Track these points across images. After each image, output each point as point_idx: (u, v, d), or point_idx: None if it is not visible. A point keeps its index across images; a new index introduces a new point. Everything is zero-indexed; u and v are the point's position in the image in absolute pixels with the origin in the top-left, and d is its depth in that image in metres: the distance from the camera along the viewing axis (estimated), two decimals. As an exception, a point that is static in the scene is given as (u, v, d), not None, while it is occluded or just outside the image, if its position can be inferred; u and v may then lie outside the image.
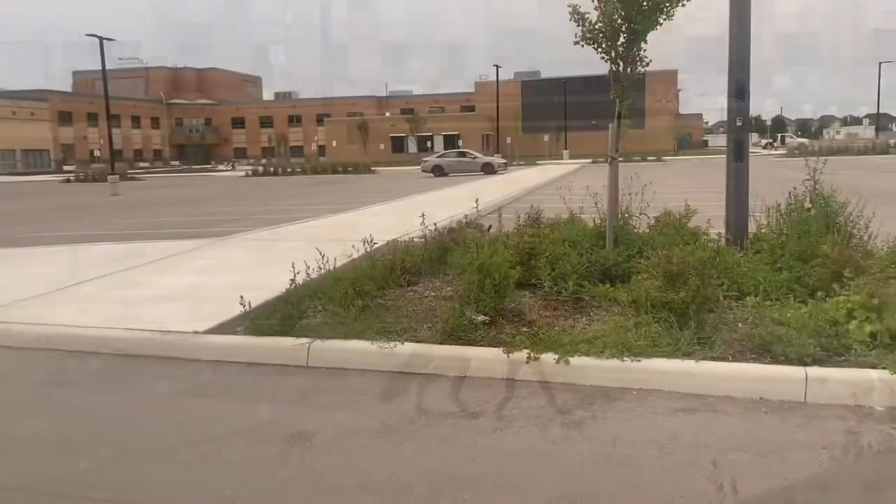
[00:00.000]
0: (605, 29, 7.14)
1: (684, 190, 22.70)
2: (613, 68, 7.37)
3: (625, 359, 4.95)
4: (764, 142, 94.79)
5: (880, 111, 76.18)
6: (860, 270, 6.07)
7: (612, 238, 7.42)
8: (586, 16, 7.22)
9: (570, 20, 7.29)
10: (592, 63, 7.42)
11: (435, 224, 9.22)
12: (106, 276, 8.88)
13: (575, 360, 5.01)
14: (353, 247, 8.50)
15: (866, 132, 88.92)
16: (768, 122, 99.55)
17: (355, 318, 5.95)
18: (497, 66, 63.42)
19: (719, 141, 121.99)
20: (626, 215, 8.06)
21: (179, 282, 8.44)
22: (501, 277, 5.91)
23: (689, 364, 4.85)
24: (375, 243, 8.52)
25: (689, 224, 8.81)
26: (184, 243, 11.86)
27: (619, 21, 7.08)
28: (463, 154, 46.00)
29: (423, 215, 8.79)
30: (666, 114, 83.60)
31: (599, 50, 7.30)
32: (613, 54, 7.30)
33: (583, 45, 7.32)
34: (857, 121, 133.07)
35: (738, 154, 8.67)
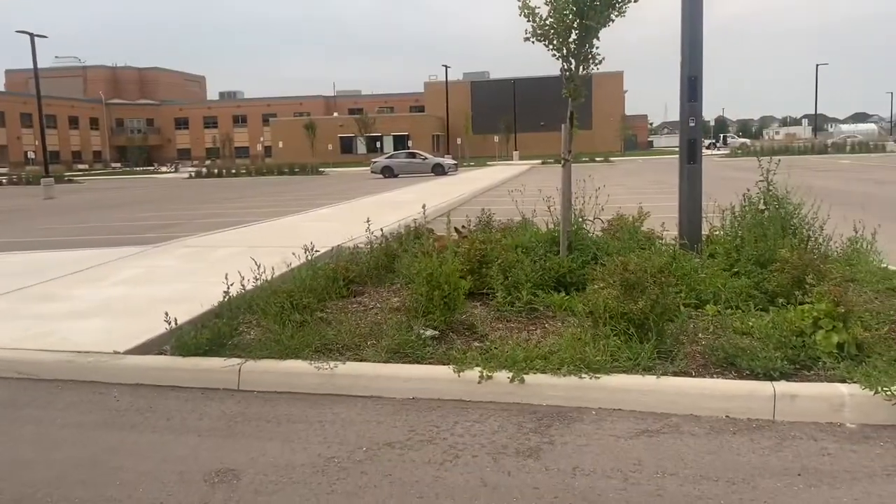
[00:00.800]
0: (556, 25, 6.82)
1: (634, 191, 22.77)
2: (565, 66, 7.06)
3: (583, 376, 4.60)
4: (707, 142, 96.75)
5: (818, 112, 78.50)
6: (821, 276, 5.88)
7: (567, 244, 7.10)
8: (537, 11, 6.88)
9: (521, 15, 6.95)
10: (540, 64, 7.10)
11: (381, 229, 8.76)
12: (21, 289, 8.16)
13: (530, 378, 4.64)
14: (294, 254, 8.02)
15: (805, 133, 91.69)
16: (711, 123, 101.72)
17: (292, 335, 5.46)
18: (446, 67, 63.22)
19: (663, 142, 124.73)
20: (580, 219, 7.76)
21: (103, 295, 7.79)
22: (451, 288, 5.52)
23: (650, 380, 4.53)
24: (318, 250, 8.08)
25: (642, 227, 8.60)
26: (113, 251, 11.13)
27: (571, 17, 6.77)
28: (413, 155, 45.55)
29: (368, 220, 8.34)
30: (613, 115, 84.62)
31: (550, 47, 6.98)
32: (565, 51, 6.98)
33: (533, 42, 6.98)
34: (795, 121, 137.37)
35: (691, 155, 8.46)
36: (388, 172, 42.46)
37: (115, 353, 5.59)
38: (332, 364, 5.07)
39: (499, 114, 77.21)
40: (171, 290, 7.82)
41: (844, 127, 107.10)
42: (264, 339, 5.53)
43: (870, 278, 6.97)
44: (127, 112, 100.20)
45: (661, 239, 7.96)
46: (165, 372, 5.37)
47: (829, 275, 5.86)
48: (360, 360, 5.16)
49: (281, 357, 5.25)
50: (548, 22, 6.86)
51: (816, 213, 7.78)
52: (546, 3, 6.87)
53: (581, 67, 7.04)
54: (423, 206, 10.29)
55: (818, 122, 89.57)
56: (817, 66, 66.67)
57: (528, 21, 6.92)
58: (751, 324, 5.34)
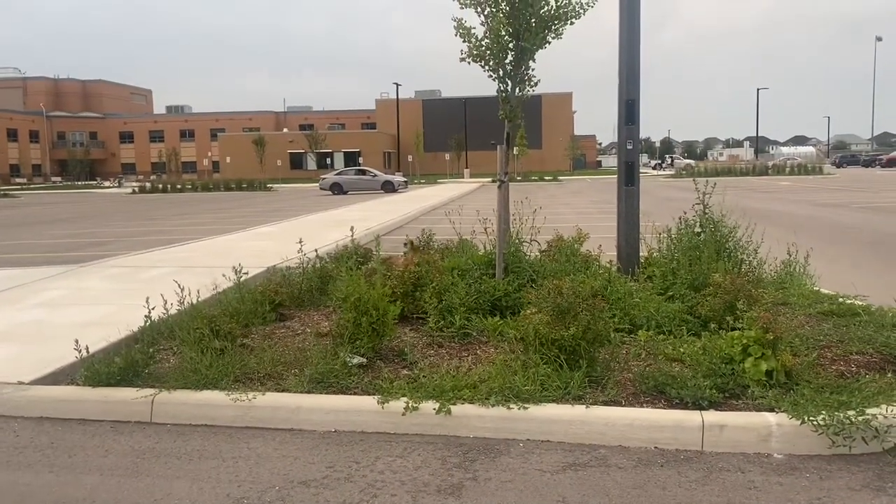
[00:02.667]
0: (492, 46, 6.75)
1: (578, 210, 22.95)
2: (501, 87, 6.99)
3: (511, 406, 4.45)
4: (653, 163, 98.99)
5: (759, 134, 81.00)
6: (752, 300, 5.88)
7: (503, 266, 6.99)
8: (472, 31, 6.81)
9: (456, 35, 6.87)
10: (491, 84, 7.02)
11: (315, 250, 8.52)
12: (-71, 313, 7.66)
13: (457, 409, 4.47)
14: (224, 276, 7.71)
15: (747, 154, 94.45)
16: (657, 144, 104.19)
17: (210, 363, 5.18)
18: (397, 84, 63.39)
19: (612, 161, 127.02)
20: (518, 241, 7.66)
21: (16, 319, 7.35)
22: (380, 314, 5.33)
23: (579, 410, 4.41)
24: (247, 272, 7.79)
25: (581, 249, 8.56)
26: (38, 270, 10.61)
27: (507, 38, 6.72)
28: (363, 172, 45.25)
29: (300, 240, 8.09)
30: (562, 135, 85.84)
31: (486, 68, 6.91)
32: (501, 73, 6.92)
33: (469, 63, 6.90)
34: (738, 143, 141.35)
35: (628, 178, 8.48)
36: (336, 189, 42.06)
37: (20, 383, 5.23)
38: (250, 395, 4.81)
39: (450, 132, 77.57)
40: (91, 314, 7.42)
41: (784, 149, 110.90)
42: (181, 368, 5.24)
43: (802, 301, 7.04)
44: (69, 125, 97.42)
45: (599, 261, 7.91)
46: (73, 404, 5.03)
47: (761, 299, 5.87)
48: (282, 391, 4.92)
49: (197, 387, 4.97)
50: (483, 43, 6.79)
51: (751, 236, 7.85)
52: (482, 24, 6.81)
53: (518, 89, 6.98)
54: (352, 227, 9.98)
55: (760, 144, 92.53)
56: (758, 90, 68.93)
57: (464, 41, 6.84)
58: (682, 350, 5.28)
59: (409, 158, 70.27)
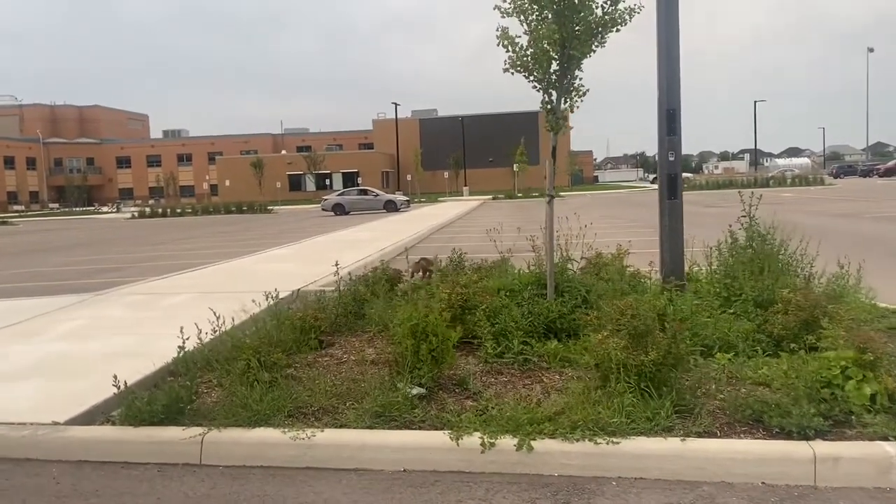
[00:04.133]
0: (537, 55, 6.45)
1: (591, 226, 22.60)
2: (546, 98, 6.68)
3: (599, 441, 4.08)
4: (651, 177, 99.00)
5: (756, 146, 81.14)
6: (828, 316, 5.54)
7: (553, 286, 6.64)
8: (517, 40, 6.50)
9: (499, 45, 6.56)
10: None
11: (349, 273, 8.17)
12: (-55, 348, 7.27)
13: (539, 445, 4.10)
14: (253, 301, 7.34)
15: (744, 167, 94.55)
16: (656, 159, 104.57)
17: (261, 397, 4.81)
18: (395, 104, 63.34)
19: (607, 176, 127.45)
20: (566, 258, 7.33)
21: (39, 352, 6.96)
22: (440, 340, 4.97)
23: (674, 444, 4.04)
24: (279, 296, 7.43)
25: (623, 266, 8.24)
26: (51, 300, 10.22)
27: (553, 46, 6.41)
28: (364, 192, 44.98)
29: (336, 263, 7.76)
30: (560, 151, 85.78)
31: (531, 78, 6.59)
32: (546, 83, 6.60)
33: (513, 73, 6.59)
34: (734, 156, 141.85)
35: (671, 190, 8.16)
36: (339, 210, 41.74)
37: (55, 423, 4.84)
38: (309, 432, 4.43)
39: (448, 150, 77.56)
40: (117, 345, 7.04)
41: (780, 161, 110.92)
42: (229, 404, 4.86)
43: (864, 316, 6.71)
44: (66, 151, 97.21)
45: (649, 278, 7.58)
46: (115, 445, 4.65)
47: (838, 316, 5.53)
48: (341, 427, 4.54)
49: (249, 425, 4.59)
50: (528, 52, 6.49)
51: (805, 249, 7.53)
52: (525, 33, 6.51)
53: (564, 99, 6.67)
54: (357, 246, 9.65)
55: (756, 155, 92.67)
56: (755, 102, 69.05)
57: (507, 51, 6.53)
58: (765, 372, 4.94)
59: (409, 177, 70.06)
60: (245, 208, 54.93)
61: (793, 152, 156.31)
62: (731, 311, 6.47)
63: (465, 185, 70.11)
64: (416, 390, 4.83)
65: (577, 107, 6.66)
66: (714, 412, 4.41)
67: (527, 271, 7.42)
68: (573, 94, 6.64)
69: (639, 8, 6.59)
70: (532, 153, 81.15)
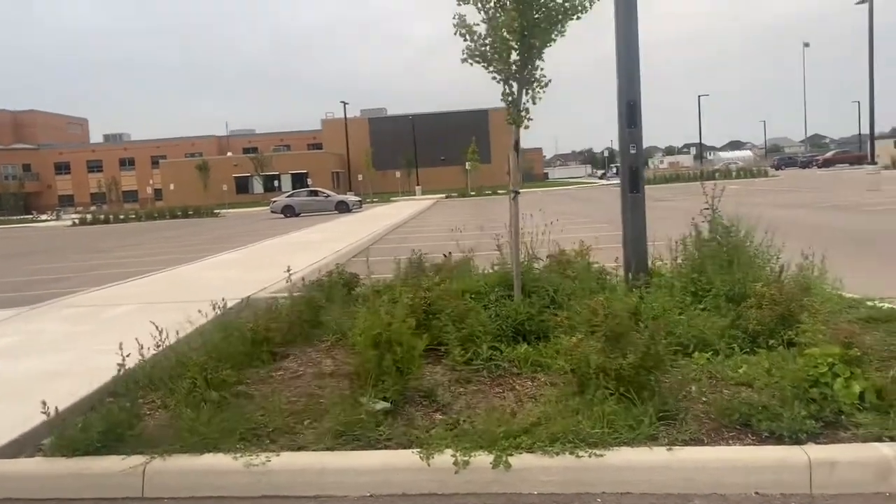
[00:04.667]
0: (496, 44, 6.13)
1: (546, 222, 22.43)
2: (507, 90, 6.37)
3: (580, 453, 3.78)
4: (599, 173, 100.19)
5: (701, 140, 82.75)
6: (805, 310, 5.37)
7: (520, 286, 6.34)
8: (475, 28, 6.18)
9: (456, 34, 6.23)
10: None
11: (303, 277, 7.74)
12: None
13: (517, 461, 3.78)
14: (199, 311, 6.84)
15: (689, 161, 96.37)
16: (605, 154, 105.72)
17: (209, 419, 4.37)
18: (344, 103, 62.44)
19: (556, 173, 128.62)
20: (531, 257, 7.05)
21: (-38, 375, 6.35)
22: (405, 350, 4.61)
23: (661, 454, 3.77)
24: (228, 305, 6.95)
25: (588, 263, 8.02)
26: (-21, 315, 9.49)
27: (513, 35, 6.11)
28: (315, 193, 44.21)
29: (288, 269, 7.30)
30: (510, 149, 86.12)
31: (491, 69, 6.27)
32: (506, 74, 6.30)
33: (471, 64, 6.27)
34: (679, 150, 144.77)
35: (633, 184, 7.96)
36: (289, 212, 40.92)
37: (-26, 457, 4.32)
38: (263, 457, 4.02)
39: (399, 150, 77.01)
40: (52, 363, 6.47)
41: (723, 154, 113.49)
42: (174, 427, 4.41)
43: (834, 308, 6.61)
44: (0, 157, 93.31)
45: (615, 275, 7.36)
46: (45, 480, 4.16)
47: (814, 309, 5.36)
48: (299, 449, 4.15)
49: (198, 451, 4.15)
50: (487, 41, 6.17)
51: (771, 241, 7.40)
52: (484, 21, 6.19)
53: (525, 90, 6.37)
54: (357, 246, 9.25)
55: (701, 149, 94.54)
56: (699, 97, 70.26)
57: (465, 40, 6.20)
58: (746, 371, 4.73)
59: (360, 177, 69.30)
60: (191, 212, 53.51)
61: (735, 145, 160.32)
62: (702, 306, 6.28)
63: (418, 185, 69.70)
64: (380, 405, 4.46)
65: (540, 98, 6.37)
66: (699, 417, 4.16)
67: (491, 271, 7.11)
68: (534, 84, 6.34)
69: (600, -5, 6.34)
70: (483, 151, 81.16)
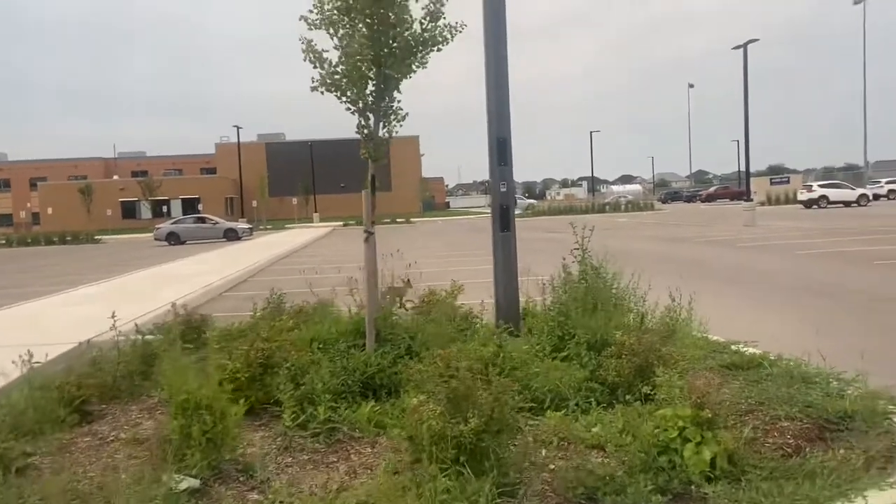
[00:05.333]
0: (350, 73, 5.69)
1: (438, 255, 22.17)
2: (363, 122, 5.93)
3: (405, 542, 3.29)
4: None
5: (593, 174, 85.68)
6: (663, 361, 5.15)
7: (374, 334, 5.84)
8: (325, 55, 5.72)
9: (305, 60, 5.75)
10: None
11: (135, 322, 6.94)
12: None
13: (331, 555, 3.24)
14: (21, 357, 5.94)
15: (582, 193, 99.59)
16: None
17: (-32, 509, 3.61)
18: (237, 127, 60.68)
19: (459, 202, 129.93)
20: (395, 298, 6.58)
21: None
22: (217, 418, 4.00)
23: (496, 539, 3.33)
24: (42, 357, 6.08)
25: (457, 304, 7.65)
26: None
27: (367, 65, 5.69)
28: (202, 220, 42.33)
29: (113, 315, 6.47)
30: (411, 177, 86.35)
31: (344, 99, 5.82)
32: (362, 105, 5.86)
33: (322, 92, 5.79)
34: (574, 183, 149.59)
35: (504, 223, 7.68)
36: (173, 239, 38.97)
37: None
38: (26, 558, 3.31)
39: (297, 176, 75.50)
40: None
41: (615, 188, 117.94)
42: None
43: (697, 353, 6.48)
44: None
45: (480, 319, 6.99)
46: None
47: (672, 360, 5.15)
48: (77, 543, 3.45)
49: (-58, 553, 3.39)
50: (339, 69, 5.72)
51: (638, 281, 7.25)
52: (336, 48, 5.74)
53: (382, 124, 5.95)
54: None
55: (593, 183, 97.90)
56: (591, 133, 72.78)
57: (315, 67, 5.73)
58: (598, 432, 4.40)
59: (254, 204, 67.33)
60: (70, 238, 50.19)
61: (626, 179, 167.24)
62: (565, 353, 5.99)
63: (316, 212, 68.38)
64: (185, 483, 3.82)
65: (396, 132, 5.96)
66: (543, 491, 3.76)
67: (347, 318, 6.58)
68: (392, 117, 5.94)
69: (461, 27, 6.04)
70: (384, 179, 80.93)
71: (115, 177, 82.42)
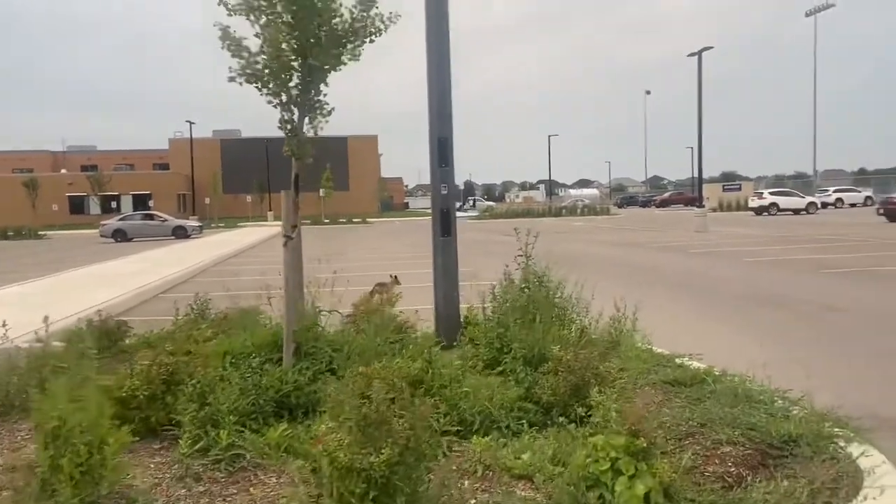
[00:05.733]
0: (271, 63, 5.24)
1: (389, 256, 21.68)
2: (286, 117, 5.48)
3: None
4: (458, 204, 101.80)
5: (551, 178, 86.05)
6: (600, 379, 4.82)
7: (292, 348, 5.39)
8: (244, 43, 5.26)
9: (223, 47, 5.28)
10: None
11: (80, 320, 6.37)
12: None
13: None
14: None
15: (541, 196, 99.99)
16: (461, 187, 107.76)
17: None
18: (190, 123, 59.26)
19: (418, 203, 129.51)
20: (316, 308, 6.13)
21: None
22: (94, 447, 3.51)
23: (400, 591, 2.93)
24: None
25: (395, 311, 7.25)
26: None
27: (290, 54, 5.24)
28: (150, 216, 41.08)
29: (3, 323, 5.89)
30: (369, 177, 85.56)
31: (266, 91, 5.37)
32: (285, 98, 5.41)
33: (241, 84, 5.32)
34: (532, 186, 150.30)
35: (445, 227, 7.31)
36: (120, 236, 37.72)
37: None
38: None
39: (252, 173, 74.05)
40: None
41: (572, 191, 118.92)
42: None
43: (640, 367, 6.20)
44: None
45: (414, 330, 6.60)
46: None
47: (611, 379, 4.82)
48: None
49: None
50: (260, 59, 5.26)
51: (582, 289, 6.94)
52: (257, 35, 5.28)
53: (307, 119, 5.50)
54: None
55: (550, 186, 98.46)
56: (549, 137, 72.94)
57: (234, 56, 5.26)
58: (527, 461, 4.03)
59: (207, 201, 65.88)
60: (11, 234, 48.21)
61: (583, 183, 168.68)
62: (501, 369, 5.64)
63: (270, 210, 67.12)
64: (53, 524, 3.33)
65: (321, 128, 5.52)
66: (459, 531, 3.38)
67: (267, 329, 6.12)
68: (318, 112, 5.50)
69: (395, 17, 5.63)
70: (342, 179, 79.93)
71: (63, 170, 79.84)
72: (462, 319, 7.22)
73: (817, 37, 64.89)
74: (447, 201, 7.29)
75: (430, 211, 7.57)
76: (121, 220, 40.42)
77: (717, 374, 5.99)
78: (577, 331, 6.00)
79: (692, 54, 33.10)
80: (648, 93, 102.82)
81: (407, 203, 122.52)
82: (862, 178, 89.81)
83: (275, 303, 6.58)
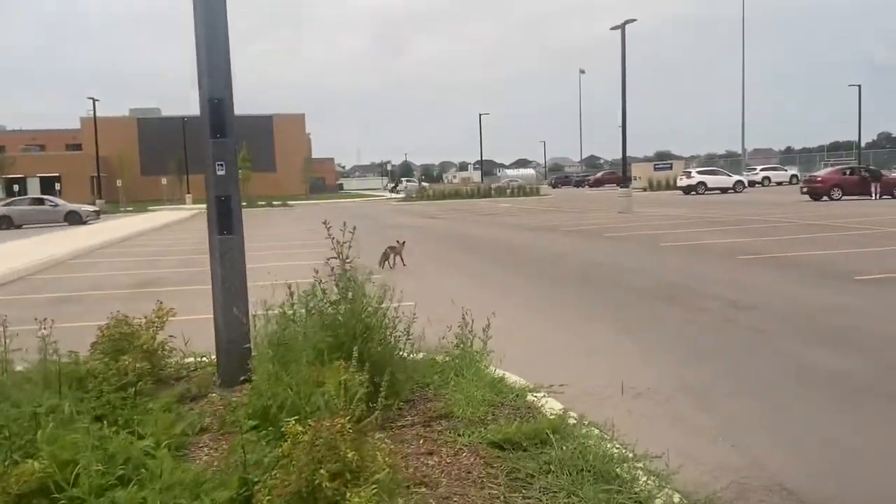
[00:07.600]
0: None
1: (284, 244, 19.40)
2: None
3: None
4: (389, 185, 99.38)
5: (487, 157, 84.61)
6: (355, 474, 3.04)
7: None
8: None
9: None
10: None
11: None
12: None
13: None
14: None
15: (477, 177, 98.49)
16: (392, 167, 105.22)
17: None
18: (94, 100, 55.19)
19: (353, 184, 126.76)
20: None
21: None
22: None
23: None
24: None
25: (161, 337, 5.40)
26: None
27: None
28: (40, 201, 37.68)
29: None
30: (297, 157, 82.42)
31: None
32: None
33: None
34: (468, 167, 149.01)
35: (223, 221, 5.41)
36: (6, 223, 34.41)
37: None
38: None
39: (172, 154, 70.16)
40: None
41: (509, 171, 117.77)
42: None
43: (472, 411, 4.60)
44: None
45: (187, 367, 4.72)
46: None
47: (368, 472, 3.05)
48: None
49: None
50: None
51: (399, 308, 5.16)
52: None
53: None
54: None
55: (488, 166, 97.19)
56: (480, 115, 71.00)
57: None
58: None
59: (118, 183, 61.99)
60: None
61: (522, 163, 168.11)
62: (265, 433, 3.85)
63: (189, 193, 63.60)
64: None
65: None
66: None
67: None
68: None
69: None
70: (266, 159, 76.63)
71: (-39, 151, 74.25)
72: (252, 345, 5.36)
73: (745, 15, 64.65)
74: (226, 185, 5.37)
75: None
76: (6, 205, 36.96)
77: (571, 422, 4.36)
78: (384, 349, 4.18)
79: (615, 27, 31.72)
80: (583, 72, 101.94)
81: (341, 185, 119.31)
82: (789, 156, 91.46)
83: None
